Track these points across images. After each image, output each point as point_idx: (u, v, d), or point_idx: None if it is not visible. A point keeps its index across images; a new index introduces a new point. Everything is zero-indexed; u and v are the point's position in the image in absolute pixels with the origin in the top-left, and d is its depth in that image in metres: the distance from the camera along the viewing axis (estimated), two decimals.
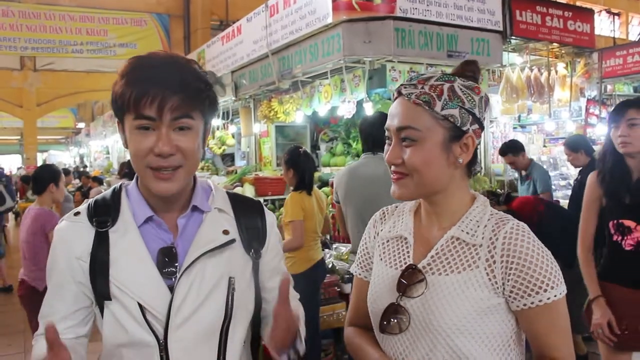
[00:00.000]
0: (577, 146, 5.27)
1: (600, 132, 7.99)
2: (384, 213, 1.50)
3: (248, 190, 6.72)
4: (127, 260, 1.29)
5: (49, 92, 14.53)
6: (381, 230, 1.46)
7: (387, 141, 1.31)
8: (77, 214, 1.37)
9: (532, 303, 1.22)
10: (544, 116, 7.96)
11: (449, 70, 1.33)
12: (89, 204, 1.38)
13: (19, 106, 14.28)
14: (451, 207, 1.32)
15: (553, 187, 6.74)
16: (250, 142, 8.70)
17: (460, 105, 1.25)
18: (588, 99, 7.70)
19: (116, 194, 1.40)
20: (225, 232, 1.37)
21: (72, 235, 1.34)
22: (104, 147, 21.22)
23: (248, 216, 1.45)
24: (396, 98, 1.31)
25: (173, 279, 1.30)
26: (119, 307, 1.28)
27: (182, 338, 1.27)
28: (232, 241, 1.37)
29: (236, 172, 7.93)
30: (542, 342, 1.27)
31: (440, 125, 1.24)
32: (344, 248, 5.11)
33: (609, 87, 8.56)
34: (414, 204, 1.43)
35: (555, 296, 1.22)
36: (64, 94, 14.77)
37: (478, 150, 1.34)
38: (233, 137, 9.43)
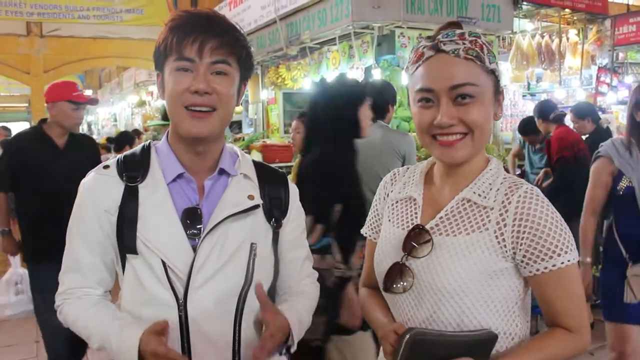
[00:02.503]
0: (583, 113, 5.23)
1: (610, 100, 7.91)
2: (394, 174, 1.48)
3: (255, 158, 6.72)
4: (155, 218, 1.31)
5: (56, 58, 14.42)
6: (391, 191, 1.44)
7: (424, 103, 1.23)
8: (106, 167, 1.37)
9: (545, 268, 1.19)
10: (553, 84, 7.88)
11: None
12: (119, 159, 1.39)
13: (26, 73, 14.20)
14: (471, 168, 1.28)
15: None
16: (257, 109, 8.68)
17: (495, 61, 1.24)
18: (599, 67, 7.61)
19: (145, 150, 1.40)
20: (250, 197, 1.38)
21: (101, 188, 1.34)
22: (112, 114, 21.24)
23: (272, 185, 1.45)
24: (431, 56, 1.22)
25: (196, 240, 1.31)
26: (142, 263, 1.29)
27: (201, 299, 1.29)
28: (257, 206, 1.38)
29: (244, 139, 7.93)
30: (553, 309, 1.25)
31: (489, 79, 1.23)
32: None
33: (621, 54, 8.44)
34: (425, 165, 1.41)
35: (568, 261, 1.19)
36: (71, 60, 14.65)
37: None
38: (240, 104, 9.39)
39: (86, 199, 1.35)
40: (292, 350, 1.37)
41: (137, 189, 1.33)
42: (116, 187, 1.33)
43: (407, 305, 1.29)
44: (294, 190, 1.51)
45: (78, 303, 1.35)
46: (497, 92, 1.26)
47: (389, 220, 1.41)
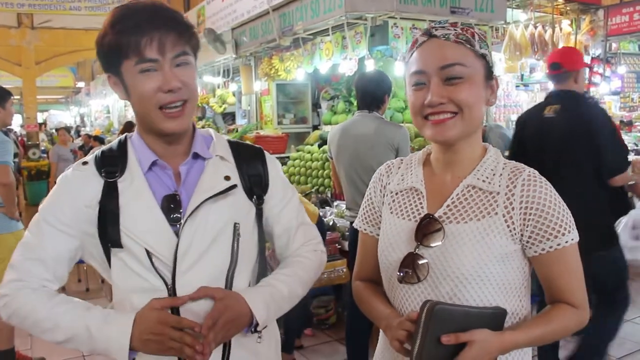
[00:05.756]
0: None
1: (603, 91, 7.93)
2: (389, 166, 1.50)
3: None
4: (135, 208, 1.32)
5: (47, 50, 14.33)
6: (388, 183, 1.46)
7: (417, 86, 1.28)
8: (85, 163, 1.38)
9: (550, 247, 1.25)
10: (547, 75, 7.88)
11: None
12: (96, 155, 1.40)
13: (17, 64, 14.10)
14: (468, 155, 1.33)
15: None
16: (251, 101, 8.65)
17: (486, 48, 1.30)
18: (592, 57, 7.62)
19: (122, 144, 1.42)
20: (227, 178, 1.39)
21: (80, 183, 1.35)
22: (105, 106, 21.13)
23: (249, 163, 1.47)
24: (424, 42, 1.29)
25: (178, 226, 1.32)
26: (128, 255, 1.31)
27: (189, 282, 1.30)
28: (234, 187, 1.39)
29: (237, 131, 7.92)
30: (557, 286, 1.31)
31: (480, 63, 1.28)
32: (344, 205, 5.14)
33: (614, 45, 8.47)
34: (421, 155, 1.44)
35: (572, 240, 1.26)
36: (62, 52, 14.57)
37: None
38: (234, 95, 9.37)
39: (64, 193, 1.35)
40: (259, 328, 1.36)
41: (116, 183, 1.34)
42: (95, 183, 1.34)
43: (420, 294, 1.31)
44: (273, 164, 1.52)
45: (34, 294, 1.29)
46: (489, 77, 1.30)
47: (392, 212, 1.42)
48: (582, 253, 1.30)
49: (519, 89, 8.46)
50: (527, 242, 1.27)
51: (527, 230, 1.25)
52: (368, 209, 1.51)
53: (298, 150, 6.72)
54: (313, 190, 5.70)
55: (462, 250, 1.25)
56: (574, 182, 3.16)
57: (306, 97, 8.45)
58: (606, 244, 3.35)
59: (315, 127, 8.12)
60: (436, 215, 1.30)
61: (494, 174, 1.30)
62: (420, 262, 1.29)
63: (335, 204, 5.33)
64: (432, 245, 1.28)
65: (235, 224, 1.37)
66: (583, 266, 1.31)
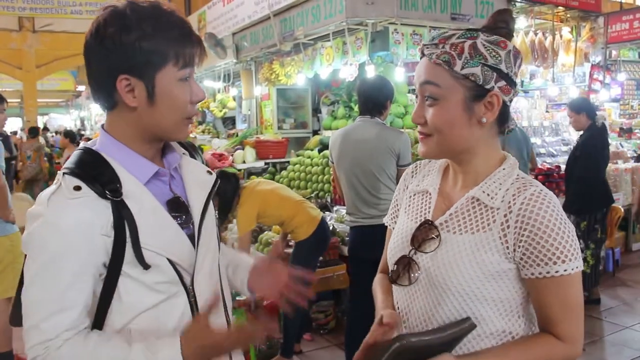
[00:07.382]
0: (579, 108, 5.23)
1: (603, 98, 7.94)
2: (416, 166, 1.51)
3: (249, 153, 6.72)
4: (150, 223, 1.23)
5: (48, 53, 14.37)
6: (411, 183, 1.48)
7: (416, 100, 1.32)
8: (77, 188, 1.17)
9: (540, 274, 1.18)
10: (547, 81, 7.89)
11: None
12: (81, 176, 1.19)
13: (18, 68, 14.14)
14: (477, 167, 1.29)
15: (554, 152, 6.73)
16: (251, 105, 8.66)
17: (483, 62, 1.20)
18: (592, 65, 7.63)
19: (101, 158, 1.25)
20: (209, 172, 1.45)
21: (87, 211, 1.17)
22: None
23: (195, 156, 1.50)
24: (421, 58, 1.30)
25: (191, 226, 1.33)
26: (153, 273, 1.22)
27: (202, 280, 1.33)
28: (218, 179, 1.46)
29: (237, 135, 7.91)
30: (546, 315, 1.23)
31: (460, 84, 1.21)
32: (344, 210, 5.14)
33: (614, 52, 8.48)
34: (445, 160, 1.41)
35: (565, 270, 1.17)
36: (63, 55, 14.59)
37: (509, 107, 1.29)
38: (234, 99, 9.38)
39: (72, 230, 1.15)
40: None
41: (124, 201, 1.20)
42: (100, 207, 1.17)
43: (409, 297, 1.32)
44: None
45: (69, 345, 1.15)
46: (478, 97, 1.22)
47: (405, 212, 1.44)
48: None
49: (519, 95, 8.47)
50: (520, 262, 1.20)
51: (519, 251, 1.19)
52: (393, 205, 1.54)
53: (298, 155, 6.72)
54: (313, 195, 5.70)
55: (450, 262, 1.23)
56: None
57: (306, 102, 8.46)
58: None
59: (315, 132, 8.12)
60: (437, 222, 1.29)
61: (500, 189, 1.24)
62: (413, 266, 1.29)
63: (335, 208, 5.33)
64: (426, 251, 1.28)
65: (215, 213, 1.44)
66: None
